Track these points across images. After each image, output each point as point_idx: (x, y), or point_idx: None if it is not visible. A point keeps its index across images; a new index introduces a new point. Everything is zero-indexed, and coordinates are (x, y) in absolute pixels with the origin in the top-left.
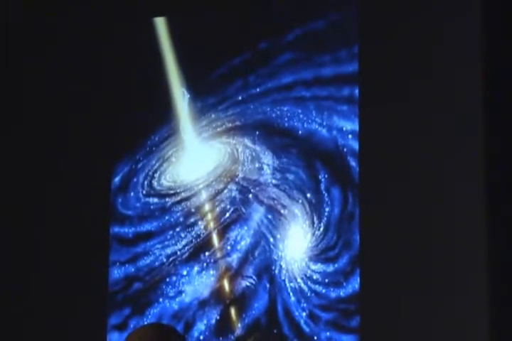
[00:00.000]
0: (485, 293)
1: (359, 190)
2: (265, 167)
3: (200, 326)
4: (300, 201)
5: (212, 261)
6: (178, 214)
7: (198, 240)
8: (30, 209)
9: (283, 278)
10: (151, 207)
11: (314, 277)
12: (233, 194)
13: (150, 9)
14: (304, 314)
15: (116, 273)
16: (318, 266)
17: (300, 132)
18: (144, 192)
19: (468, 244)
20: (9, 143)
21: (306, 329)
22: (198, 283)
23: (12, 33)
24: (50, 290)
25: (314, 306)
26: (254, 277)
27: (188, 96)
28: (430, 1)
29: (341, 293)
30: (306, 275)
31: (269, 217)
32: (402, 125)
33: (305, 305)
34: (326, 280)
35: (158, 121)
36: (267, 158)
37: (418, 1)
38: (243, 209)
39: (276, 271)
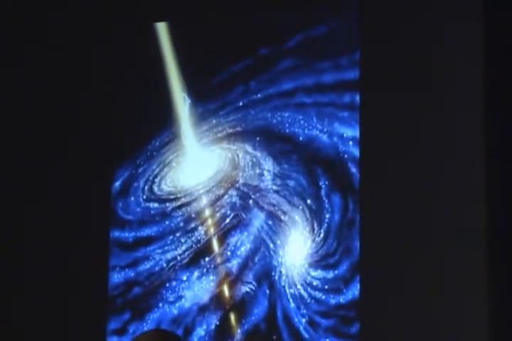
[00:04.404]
0: (486, 300)
1: (359, 196)
2: (266, 173)
3: (200, 331)
4: (300, 207)
5: (212, 266)
6: (179, 219)
7: (198, 245)
8: (30, 213)
9: (283, 284)
10: (152, 211)
11: (314, 283)
12: (233, 199)
13: (151, 14)
14: (304, 320)
15: (116, 277)
16: (318, 273)
17: (301, 138)
18: (145, 197)
19: (468, 251)
20: (10, 149)
21: (306, 335)
22: (197, 289)
23: (13, 38)
24: (50, 294)
25: (314, 312)
26: (254, 283)
27: (189, 101)
28: (431, 8)
29: (341, 300)
30: (306, 282)
31: (270, 222)
32: (403, 132)
33: (305, 311)
34: (326, 287)
35: (159, 126)
36: (268, 164)
37: (419, 7)
38: (243, 215)
39: (276, 277)
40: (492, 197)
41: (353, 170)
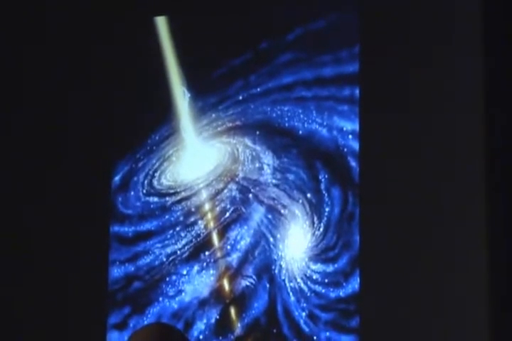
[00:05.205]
0: (485, 295)
1: (359, 190)
2: (265, 167)
3: (200, 325)
4: (300, 201)
5: (212, 260)
6: (178, 213)
7: (198, 239)
8: (29, 207)
9: (283, 277)
10: (151, 206)
11: (314, 277)
12: (233, 193)
13: (151, 8)
14: (304, 314)
15: (116, 272)
16: (318, 266)
17: (300, 132)
18: (144, 191)
19: (468, 245)
20: (9, 142)
21: (306, 329)
22: (197, 283)
23: (11, 31)
24: (50, 288)
25: (314, 306)
26: (254, 277)
27: (189, 95)
28: (431, 2)
29: (341, 293)
30: (305, 275)
31: (269, 216)
32: (403, 125)
33: (305, 305)
34: (326, 281)
35: (158, 120)
36: (267, 158)
37: (419, 1)
38: (243, 209)
39: (276, 271)
40: (492, 197)
41: (353, 163)
